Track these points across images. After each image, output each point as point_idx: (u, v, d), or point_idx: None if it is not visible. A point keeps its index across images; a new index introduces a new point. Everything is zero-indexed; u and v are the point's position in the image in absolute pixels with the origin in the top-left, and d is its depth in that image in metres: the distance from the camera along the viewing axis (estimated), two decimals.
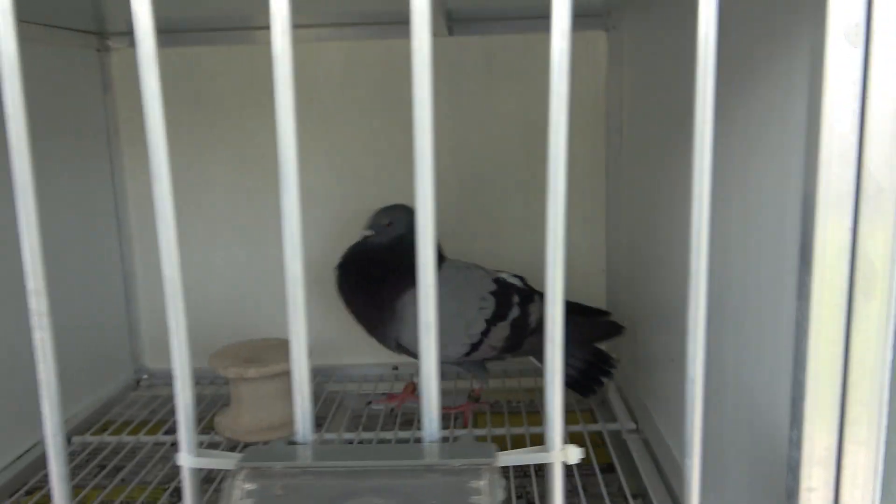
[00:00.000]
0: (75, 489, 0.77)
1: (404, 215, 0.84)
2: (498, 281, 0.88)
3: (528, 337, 0.86)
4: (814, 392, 0.37)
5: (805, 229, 0.36)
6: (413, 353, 0.87)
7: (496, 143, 1.02)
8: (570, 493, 0.77)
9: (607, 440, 0.86)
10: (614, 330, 0.91)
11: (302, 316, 0.37)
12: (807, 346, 0.36)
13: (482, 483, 0.35)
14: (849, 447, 0.37)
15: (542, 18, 1.01)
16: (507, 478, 0.75)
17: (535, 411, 0.95)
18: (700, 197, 0.35)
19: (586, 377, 0.90)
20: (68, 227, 0.94)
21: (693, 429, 0.38)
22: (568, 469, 0.81)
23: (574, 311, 0.92)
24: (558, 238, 0.36)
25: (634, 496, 0.76)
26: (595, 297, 1.06)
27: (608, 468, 0.82)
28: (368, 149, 1.02)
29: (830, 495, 0.38)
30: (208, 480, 0.75)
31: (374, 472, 0.36)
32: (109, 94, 1.00)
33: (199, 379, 1.06)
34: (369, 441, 0.87)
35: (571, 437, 0.88)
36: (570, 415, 0.93)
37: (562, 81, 0.34)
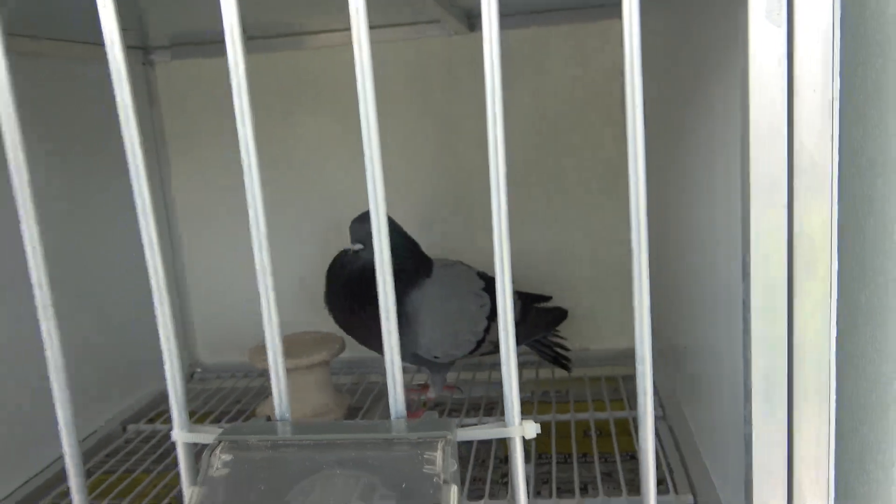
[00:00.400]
0: (125, 473, 0.84)
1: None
2: (482, 276, 0.90)
3: (518, 326, 0.88)
4: (759, 369, 0.37)
5: (743, 207, 0.37)
6: (429, 361, 0.88)
7: (519, 136, 1.03)
8: (590, 482, 0.79)
9: (632, 428, 0.87)
10: (563, 315, 0.96)
11: (273, 304, 0.41)
12: (750, 323, 0.37)
13: (436, 454, 0.38)
14: (800, 424, 0.38)
15: (556, 11, 1.01)
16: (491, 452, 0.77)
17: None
18: (636, 174, 0.36)
19: (560, 355, 0.96)
20: (121, 233, 1.01)
21: (646, 412, 0.39)
22: (588, 458, 0.83)
23: (531, 300, 0.96)
24: (503, 234, 0.38)
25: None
26: (624, 288, 1.06)
27: (632, 457, 0.83)
28: (402, 149, 1.06)
29: (783, 472, 0.38)
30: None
31: (340, 446, 0.39)
32: (156, 107, 1.07)
33: (247, 372, 1.12)
34: None
35: (597, 425, 0.90)
36: (597, 402, 0.93)
37: (495, 77, 0.36)
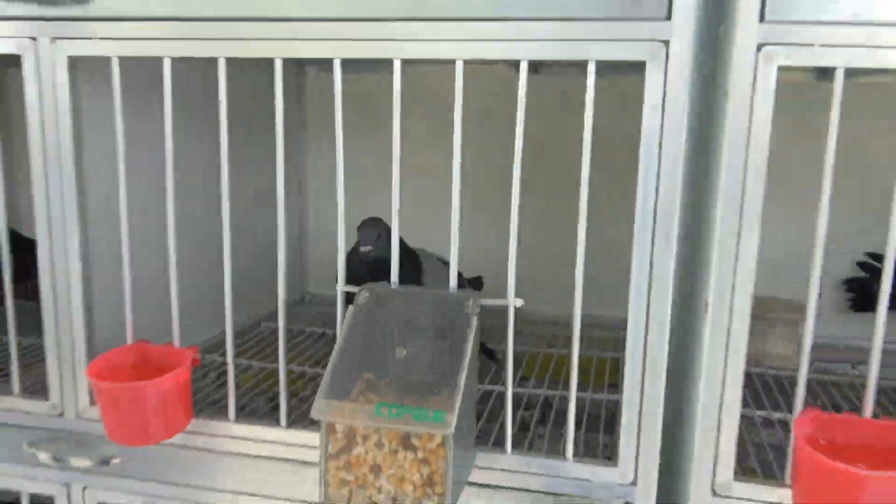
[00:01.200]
0: (257, 356, 1.25)
1: (382, 226, 0.98)
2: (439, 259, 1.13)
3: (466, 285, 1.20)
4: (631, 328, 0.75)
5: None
6: None
7: (547, 162, 1.39)
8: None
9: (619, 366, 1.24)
10: (479, 283, 1.27)
11: (396, 234, 0.80)
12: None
13: (470, 302, 0.77)
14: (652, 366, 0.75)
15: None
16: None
17: None
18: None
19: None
20: (268, 191, 1.43)
21: (573, 365, 0.77)
22: (584, 386, 1.20)
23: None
24: (514, 221, 0.76)
25: None
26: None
27: (612, 385, 1.21)
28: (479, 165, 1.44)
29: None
30: None
31: (421, 297, 0.79)
32: (302, 108, 1.50)
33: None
34: None
35: (600, 362, 1.27)
36: (611, 365, 1.31)
37: (520, 122, 0.75)
